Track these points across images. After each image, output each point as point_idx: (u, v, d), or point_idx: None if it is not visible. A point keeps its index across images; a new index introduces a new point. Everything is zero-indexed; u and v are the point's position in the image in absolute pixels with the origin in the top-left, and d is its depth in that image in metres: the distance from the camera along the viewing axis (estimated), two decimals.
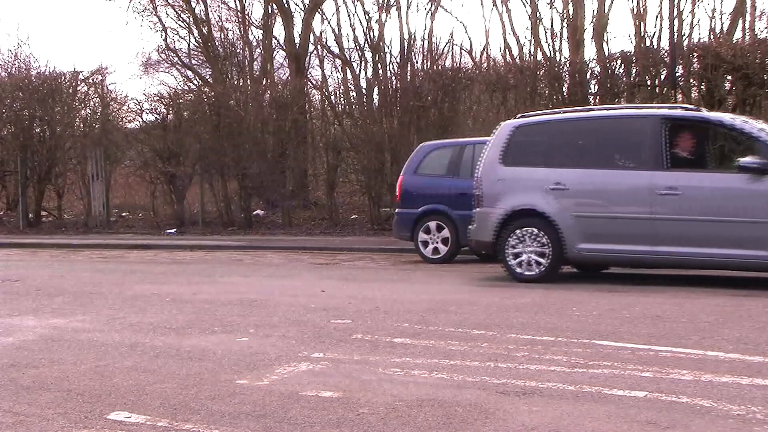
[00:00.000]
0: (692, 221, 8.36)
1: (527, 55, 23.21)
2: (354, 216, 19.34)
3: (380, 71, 24.01)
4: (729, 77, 14.77)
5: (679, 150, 8.74)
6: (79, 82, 21.46)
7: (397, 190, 12.63)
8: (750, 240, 8.08)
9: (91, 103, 21.81)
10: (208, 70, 28.85)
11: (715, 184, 8.48)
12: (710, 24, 24.72)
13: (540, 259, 9.08)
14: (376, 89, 19.71)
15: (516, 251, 9.19)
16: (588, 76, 16.39)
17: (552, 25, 28.81)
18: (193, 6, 27.95)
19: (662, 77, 15.40)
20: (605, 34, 21.69)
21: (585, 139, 9.34)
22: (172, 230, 19.22)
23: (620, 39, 38.78)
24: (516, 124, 9.72)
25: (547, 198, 9.06)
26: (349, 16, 36.12)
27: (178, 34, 29.23)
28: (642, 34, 21.41)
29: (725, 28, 20.73)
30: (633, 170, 8.76)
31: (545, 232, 9.04)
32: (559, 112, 10.10)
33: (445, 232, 11.89)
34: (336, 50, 26.72)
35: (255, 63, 29.22)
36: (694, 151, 8.86)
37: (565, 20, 22.33)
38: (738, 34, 20.37)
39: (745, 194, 8.21)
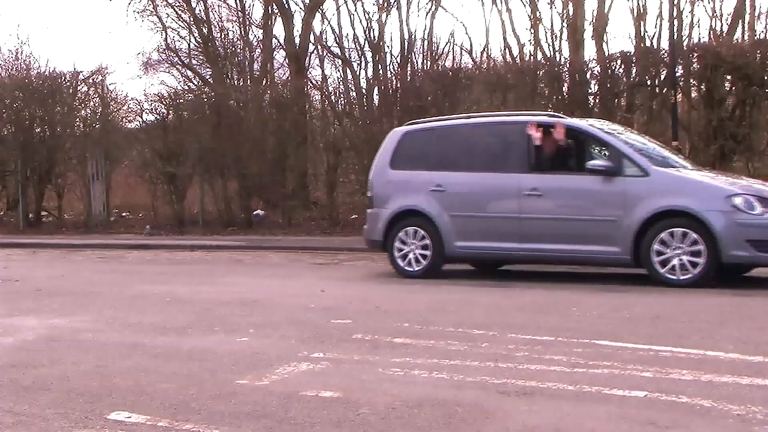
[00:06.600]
0: (551, 220, 9.03)
1: (527, 55, 23.14)
2: (354, 216, 19.30)
3: (380, 71, 23.96)
4: (729, 77, 14.75)
5: (543, 154, 9.23)
6: (79, 82, 21.42)
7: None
8: (600, 237, 8.67)
9: (91, 103, 21.77)
10: (208, 70, 28.79)
11: (572, 185, 9.08)
12: (710, 24, 24.66)
13: (422, 258, 9.69)
14: (376, 89, 19.69)
15: (402, 249, 9.80)
16: (588, 76, 16.37)
17: (552, 25, 28.69)
18: (193, 6, 27.91)
19: (662, 77, 15.37)
20: (605, 34, 21.64)
21: (462, 144, 9.92)
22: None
23: (620, 39, 38.66)
24: (404, 131, 10.39)
25: (429, 199, 9.68)
26: (349, 16, 35.81)
27: (178, 34, 29.16)
28: (642, 34, 21.36)
29: (725, 28, 20.70)
30: (503, 173, 9.38)
31: (427, 231, 9.64)
32: (443, 119, 10.72)
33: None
34: (336, 50, 26.66)
35: (255, 63, 29.18)
36: (556, 155, 9.26)
37: (565, 20, 22.30)
38: (738, 34, 20.35)
39: (596, 194, 8.81)
